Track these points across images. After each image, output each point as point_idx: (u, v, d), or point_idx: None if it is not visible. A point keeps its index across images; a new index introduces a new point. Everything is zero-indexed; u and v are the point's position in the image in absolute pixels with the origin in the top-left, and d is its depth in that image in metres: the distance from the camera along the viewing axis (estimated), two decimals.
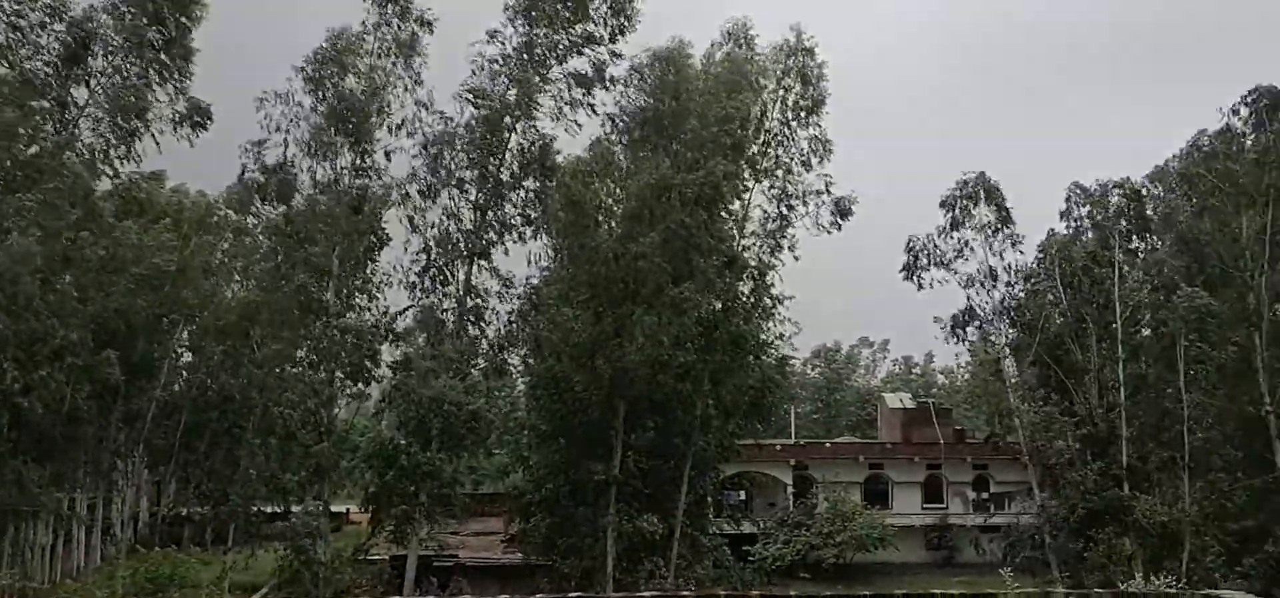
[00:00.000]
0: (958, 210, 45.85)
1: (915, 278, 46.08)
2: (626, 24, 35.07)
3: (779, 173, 40.45)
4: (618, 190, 36.07)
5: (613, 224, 35.97)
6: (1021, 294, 47.35)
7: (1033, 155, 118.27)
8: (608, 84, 35.27)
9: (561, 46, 34.84)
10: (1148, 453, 41.66)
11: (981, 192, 45.76)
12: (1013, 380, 47.28)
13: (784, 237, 40.31)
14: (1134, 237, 47.07)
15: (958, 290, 46.72)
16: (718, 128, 35.28)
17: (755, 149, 39.77)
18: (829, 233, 40.74)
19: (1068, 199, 47.32)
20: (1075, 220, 47.31)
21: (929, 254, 45.88)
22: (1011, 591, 29.98)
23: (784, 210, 40.40)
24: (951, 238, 46.03)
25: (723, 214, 38.39)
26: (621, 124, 37.44)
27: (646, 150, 35.86)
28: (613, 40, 35.05)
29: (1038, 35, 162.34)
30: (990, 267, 46.05)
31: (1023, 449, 45.29)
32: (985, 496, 57.76)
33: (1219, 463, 40.83)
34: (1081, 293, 44.90)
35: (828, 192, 40.48)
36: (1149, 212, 46.94)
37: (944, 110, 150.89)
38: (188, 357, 54.79)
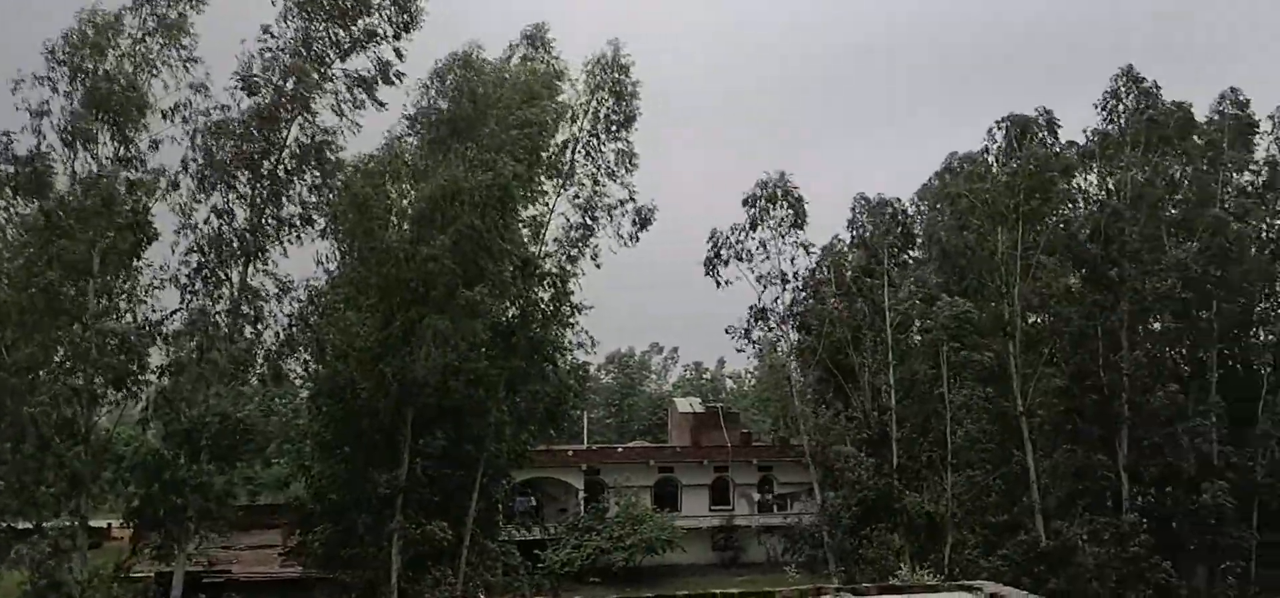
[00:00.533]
0: (757, 209, 47.30)
1: (716, 271, 47.16)
2: (411, 22, 33.98)
3: (585, 182, 40.63)
4: (411, 192, 35.15)
5: (403, 226, 35.04)
6: (807, 299, 49.39)
7: (849, 168, 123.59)
8: (392, 80, 34.18)
9: (343, 42, 33.49)
10: (917, 453, 44.29)
11: (780, 193, 47.37)
12: (798, 384, 49.24)
13: (587, 246, 40.47)
14: (901, 250, 49.73)
15: (750, 295, 48.18)
16: (518, 131, 34.95)
17: (554, 156, 39.73)
18: (629, 244, 41.21)
19: (853, 209, 49.81)
20: (858, 230, 49.81)
21: (731, 248, 47.08)
22: (788, 586, 31.04)
23: (588, 220, 40.54)
24: (752, 237, 47.48)
25: (517, 219, 38.13)
26: (419, 126, 36.68)
27: (442, 153, 35.16)
28: (397, 38, 33.96)
29: (866, 52, 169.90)
30: (781, 270, 47.80)
31: (806, 451, 47.22)
32: (770, 497, 59.83)
33: (978, 460, 43.94)
34: (858, 300, 47.27)
35: (632, 200, 40.92)
36: (915, 229, 49.94)
37: (757, 121, 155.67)
38: None
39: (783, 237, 46.87)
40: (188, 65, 31.27)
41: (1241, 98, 47.03)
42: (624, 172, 40.70)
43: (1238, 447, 43.62)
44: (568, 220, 40.38)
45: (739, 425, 65.10)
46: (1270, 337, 46.26)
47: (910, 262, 50.17)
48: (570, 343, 41.62)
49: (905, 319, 45.81)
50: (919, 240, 50.48)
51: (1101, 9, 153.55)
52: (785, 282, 47.70)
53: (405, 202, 35.59)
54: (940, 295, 42.93)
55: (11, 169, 29.67)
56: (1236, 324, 45.89)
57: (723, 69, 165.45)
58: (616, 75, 40.36)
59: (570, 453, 57.79)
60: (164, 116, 31.12)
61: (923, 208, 51.14)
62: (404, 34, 34.04)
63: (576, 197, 40.53)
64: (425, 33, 35.03)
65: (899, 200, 49.66)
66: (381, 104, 34.09)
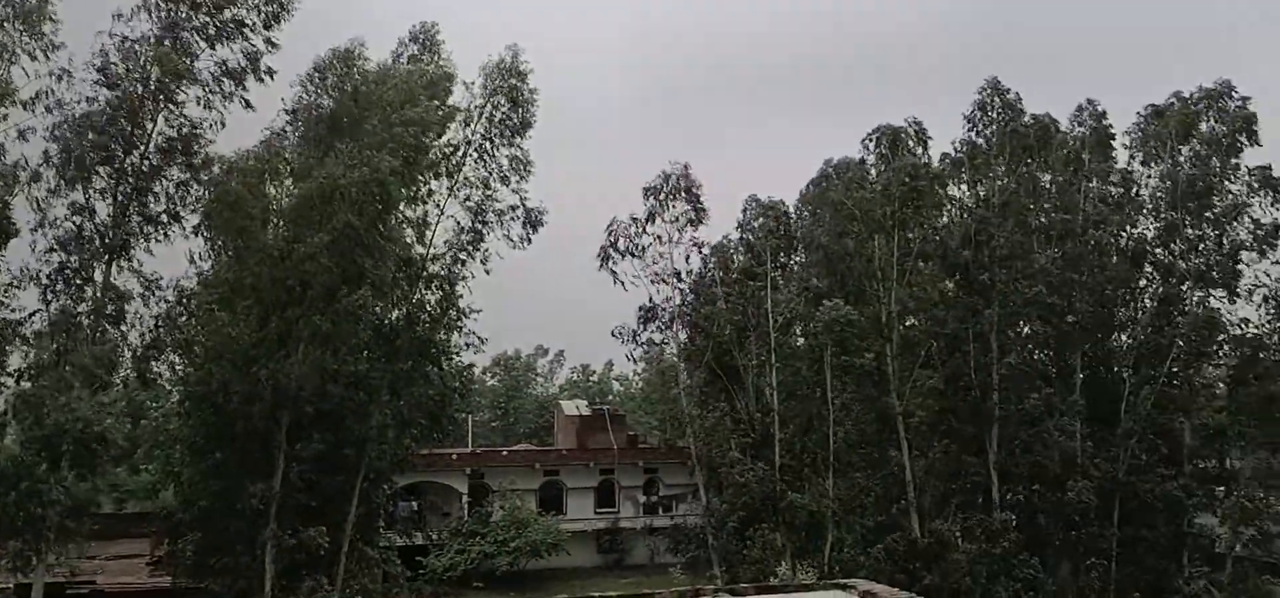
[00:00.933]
0: (657, 201, 47.39)
1: (610, 264, 47.18)
2: (281, 11, 33.07)
3: (476, 186, 40.34)
4: (289, 190, 34.17)
5: (281, 225, 34.03)
6: (696, 299, 49.82)
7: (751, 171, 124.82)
8: (262, 75, 33.19)
9: (209, 30, 32.32)
10: (799, 454, 45.08)
11: (681, 186, 47.55)
12: (685, 386, 49.62)
13: (476, 250, 40.22)
14: (785, 253, 50.51)
15: (640, 296, 48.45)
16: (401, 129, 34.35)
17: (442, 157, 39.24)
18: (520, 247, 41.14)
19: (744, 211, 50.43)
20: (748, 231, 50.37)
21: (627, 240, 47.15)
22: (670, 587, 31.21)
23: (478, 225, 40.30)
24: (647, 231, 47.59)
25: (400, 218, 37.49)
26: (299, 122, 35.78)
27: (322, 151, 34.33)
28: (267, 27, 32.99)
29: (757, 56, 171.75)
30: (675, 268, 48.08)
31: (692, 453, 47.60)
32: (655, 498, 60.12)
33: (858, 461, 44.99)
34: (742, 301, 47.88)
35: (523, 206, 40.87)
36: (796, 233, 50.84)
37: (651, 129, 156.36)
38: None
39: (680, 232, 47.34)
40: (49, 53, 29.82)
41: (1099, 109, 49.08)
42: (517, 177, 40.72)
43: (1101, 447, 45.48)
44: (458, 223, 40.07)
45: (625, 428, 65.24)
46: (1130, 340, 48.30)
47: (795, 265, 51.08)
48: (457, 345, 41.23)
49: (788, 322, 46.74)
50: (799, 244, 51.38)
51: (993, 20, 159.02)
52: (679, 280, 48.16)
53: (284, 200, 34.59)
54: (823, 299, 43.79)
55: None
56: (1100, 328, 47.80)
57: (630, 72, 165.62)
58: (513, 81, 40.21)
59: (454, 456, 57.02)
60: (24, 107, 29.59)
61: (804, 213, 52.12)
62: (274, 24, 33.06)
63: (467, 200, 40.23)
64: (315, 29, 34.30)
65: (783, 202, 50.55)
66: (249, 104, 33.16)
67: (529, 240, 41.16)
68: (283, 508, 34.53)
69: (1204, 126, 46.95)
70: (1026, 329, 48.71)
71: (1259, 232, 45.99)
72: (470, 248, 40.12)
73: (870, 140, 46.76)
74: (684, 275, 48.89)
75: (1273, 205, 46.10)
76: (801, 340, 48.04)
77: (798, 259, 51.23)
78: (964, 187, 48.45)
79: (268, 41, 33.19)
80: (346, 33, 37.86)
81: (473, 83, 40.00)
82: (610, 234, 47.15)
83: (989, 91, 47.33)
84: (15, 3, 29.07)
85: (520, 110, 40.44)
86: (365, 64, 36.52)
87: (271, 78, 33.51)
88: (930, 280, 45.84)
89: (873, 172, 47.09)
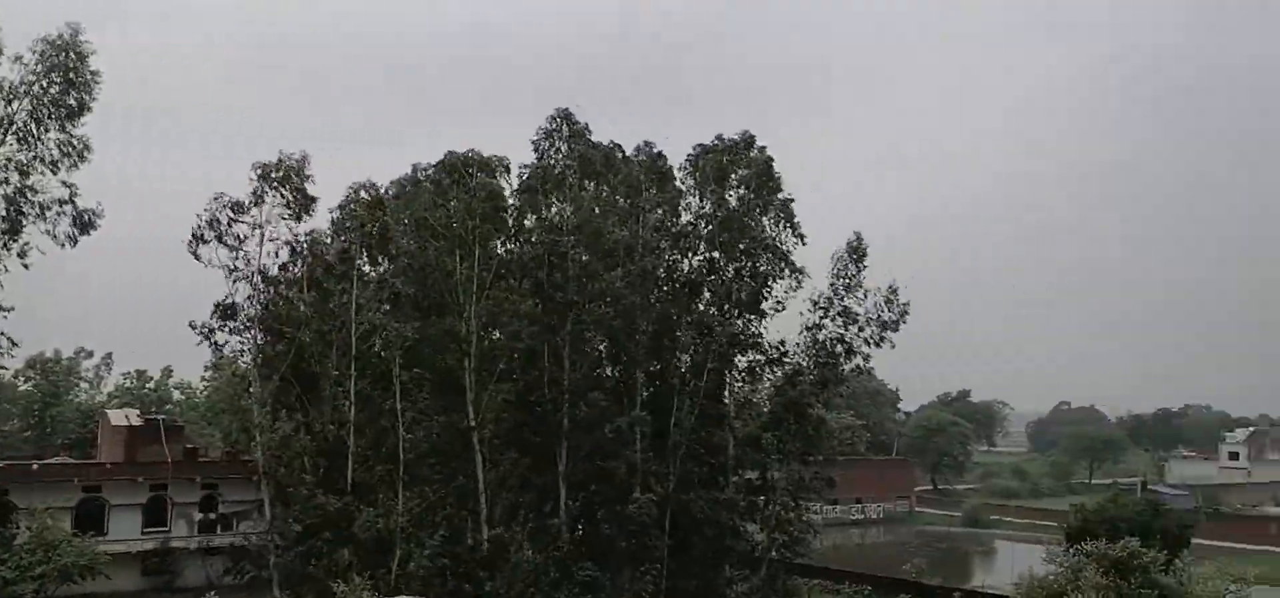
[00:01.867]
0: (266, 183, 44.12)
1: (197, 249, 43.50)
2: None
3: (12, 170, 36.29)
4: None
5: None
6: (276, 300, 46.84)
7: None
8: None
9: None
10: (372, 466, 44.02)
11: (290, 174, 44.57)
12: (258, 394, 46.48)
13: (14, 241, 36.53)
14: (376, 250, 48.42)
15: (217, 292, 44.96)
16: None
17: None
18: (66, 247, 37.67)
19: (342, 205, 48.22)
20: (343, 229, 47.91)
21: (219, 227, 43.60)
22: None
23: (12, 213, 36.43)
24: (248, 215, 44.21)
25: None
26: None
27: None
28: None
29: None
30: (262, 266, 45.00)
31: (258, 467, 44.84)
32: (214, 516, 55.93)
33: (431, 474, 44.77)
34: (326, 304, 45.91)
35: (73, 203, 37.22)
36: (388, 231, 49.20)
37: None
38: None
39: (278, 223, 44.63)
40: None
41: (655, 149, 52.68)
42: (69, 163, 37.18)
43: (661, 460, 48.82)
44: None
45: (184, 439, 60.21)
46: (686, 358, 52.19)
47: (386, 268, 49.68)
48: None
49: (371, 329, 45.15)
50: (390, 247, 49.92)
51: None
52: (264, 279, 45.19)
53: None
54: (402, 308, 43.27)
55: None
56: (661, 348, 51.22)
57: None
58: (72, 58, 36.50)
59: None
60: None
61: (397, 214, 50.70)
62: None
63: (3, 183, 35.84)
64: None
65: (376, 188, 48.65)
66: None
67: (76, 241, 37.90)
68: None
69: (739, 172, 51.84)
70: (602, 348, 51.27)
71: (778, 262, 51.44)
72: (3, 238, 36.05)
73: (441, 169, 47.38)
74: (271, 274, 46.05)
75: (790, 234, 51.75)
76: (381, 351, 46.90)
77: (387, 261, 49.80)
78: (541, 209, 49.99)
79: None
80: None
81: (26, 57, 36.00)
82: (207, 212, 43.69)
83: (558, 119, 49.43)
84: None
85: (76, 92, 36.86)
86: None
87: None
88: (511, 296, 46.73)
89: (450, 193, 47.32)
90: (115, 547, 50.69)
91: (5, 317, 37.16)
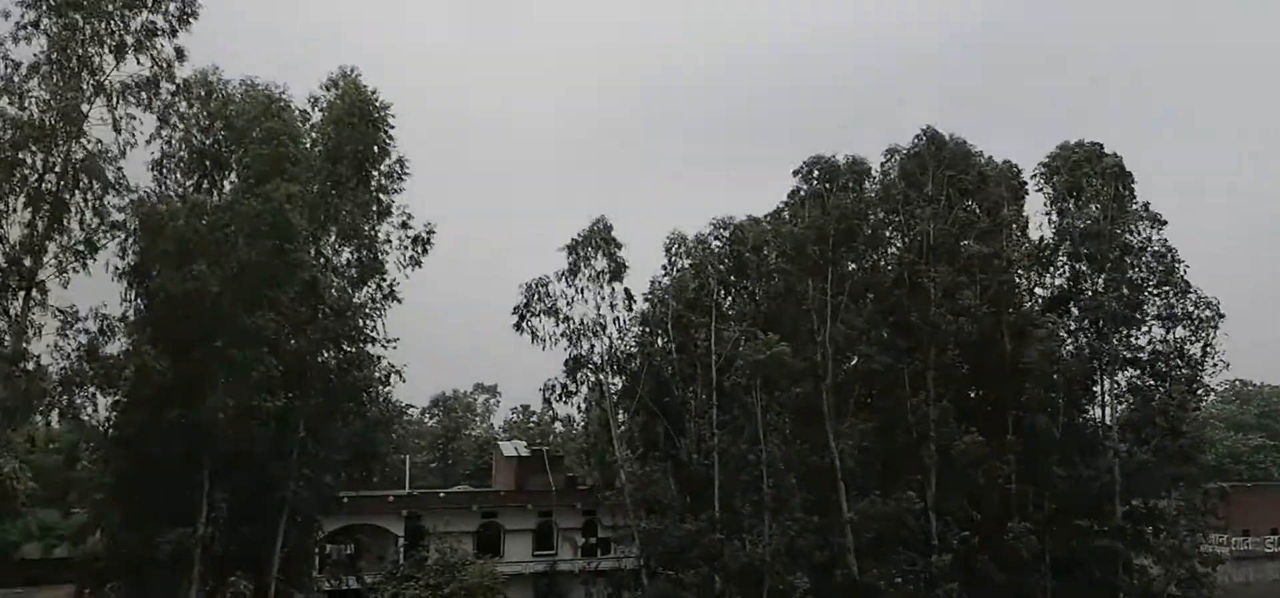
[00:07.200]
0: (580, 255, 47.27)
1: (526, 326, 46.97)
2: (189, 10, 32.30)
3: (374, 213, 40.35)
4: (201, 222, 33.59)
5: (190, 259, 33.29)
6: (631, 345, 49.53)
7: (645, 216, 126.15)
8: (179, 90, 32.72)
9: (116, 41, 31.24)
10: (737, 495, 44.82)
11: (600, 241, 47.52)
12: (621, 429, 49.21)
13: (384, 278, 40.30)
14: (731, 279, 49.71)
15: (561, 350, 48.18)
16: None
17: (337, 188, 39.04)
18: (409, 270, 41.07)
19: (668, 248, 49.80)
20: (677, 269, 49.81)
21: (541, 302, 46.93)
22: None
23: (378, 255, 40.37)
24: (570, 285, 47.42)
25: (303, 248, 36.75)
26: (186, 153, 35.52)
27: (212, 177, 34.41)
28: (174, 33, 32.25)
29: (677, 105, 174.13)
30: (597, 318, 47.81)
31: (627, 497, 47.22)
32: (593, 540, 59.45)
33: (796, 506, 44.76)
34: (684, 341, 47.63)
35: (406, 226, 40.93)
36: (746, 254, 49.13)
37: (571, 167, 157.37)
38: None
39: (602, 286, 47.32)
40: None
41: (1015, 166, 50.00)
42: (393, 188, 40.97)
43: (1035, 489, 45.83)
44: (359, 257, 40.01)
45: (564, 469, 64.56)
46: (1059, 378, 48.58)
47: (732, 302, 50.91)
48: (377, 379, 40.58)
49: (729, 360, 46.23)
50: (749, 272, 50.82)
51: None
52: (600, 329, 47.93)
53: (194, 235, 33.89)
54: (757, 336, 43.86)
55: None
56: (1023, 370, 48.05)
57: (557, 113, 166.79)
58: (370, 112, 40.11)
59: (390, 499, 56.01)
60: None
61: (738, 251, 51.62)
62: (184, 25, 32.35)
63: (368, 229, 40.14)
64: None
65: (730, 223, 49.52)
66: (165, 121, 32.49)
67: (419, 262, 41.07)
68: (205, 553, 33.60)
69: (1092, 181, 47.97)
70: (964, 369, 49.01)
71: (1159, 265, 47.28)
72: (373, 275, 40.12)
73: (804, 176, 47.24)
74: (610, 323, 48.77)
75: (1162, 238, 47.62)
76: (740, 380, 47.81)
77: (736, 297, 50.91)
78: (894, 228, 48.82)
79: (177, 51, 32.57)
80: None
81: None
82: (526, 295, 47.20)
83: (924, 138, 48.08)
84: None
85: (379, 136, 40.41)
86: (226, 87, 36.28)
87: (188, 91, 32.90)
88: (864, 319, 45.94)
89: (802, 210, 47.35)
90: (510, 568, 55.13)
91: (391, 347, 40.57)
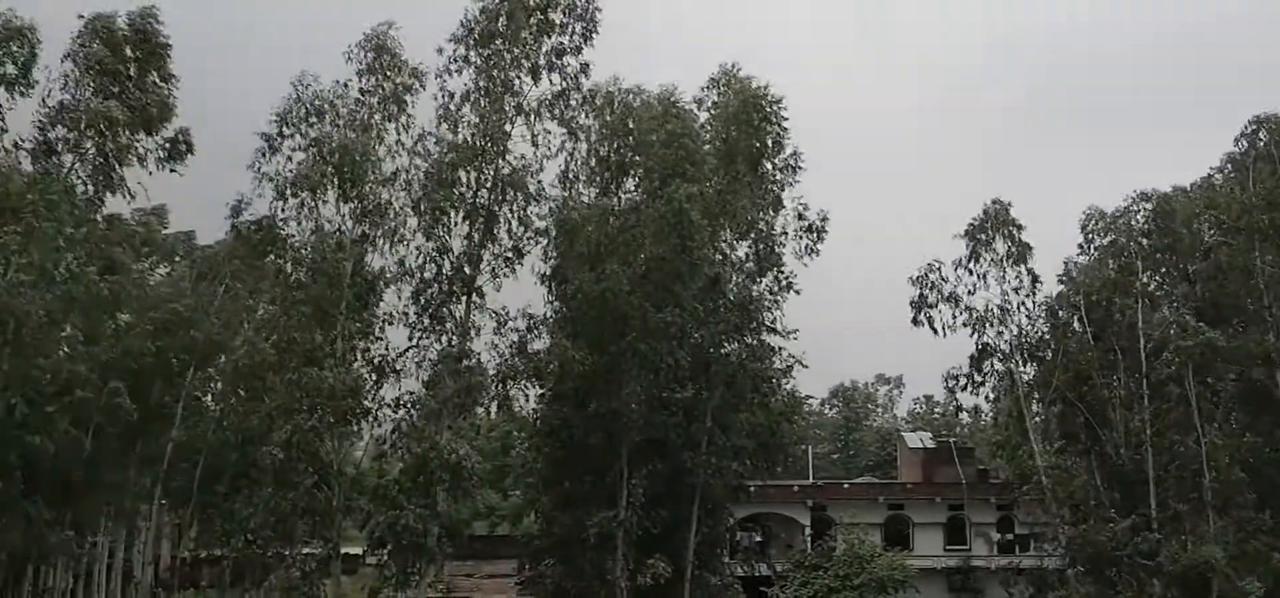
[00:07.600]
0: (979, 240, 45.12)
1: (924, 316, 45.36)
2: (591, 28, 34.69)
3: (767, 207, 41.03)
4: (610, 225, 35.92)
5: (601, 260, 35.63)
6: (1043, 330, 46.29)
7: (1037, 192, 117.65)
8: (587, 102, 35.35)
9: (531, 64, 34.28)
10: (1172, 492, 40.58)
11: (999, 221, 45.06)
12: (1036, 420, 46.19)
13: (781, 271, 40.93)
14: (1159, 258, 45.40)
15: (959, 337, 45.90)
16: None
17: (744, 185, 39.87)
18: (807, 259, 41.35)
19: (1084, 226, 46.15)
20: (1095, 248, 46.18)
21: (937, 289, 45.18)
22: None
23: (774, 248, 41.01)
24: (970, 272, 45.33)
25: (704, 245, 37.89)
26: (593, 161, 37.78)
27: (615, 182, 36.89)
28: (577, 51, 34.73)
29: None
30: (1002, 304, 45.13)
31: (1046, 492, 44.25)
32: (1010, 537, 56.44)
33: (1245, 502, 39.68)
34: (1105, 325, 43.81)
35: (800, 217, 41.10)
36: (1179, 227, 44.25)
37: (933, 148, 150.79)
38: (205, 399, 54.64)
39: (1004, 270, 44.57)
40: (404, 131, 33.66)
41: None
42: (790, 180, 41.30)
43: None
44: (757, 249, 40.81)
45: (974, 462, 61.90)
46: None
47: (1163, 280, 46.07)
48: (776, 370, 41.21)
49: (1160, 346, 41.76)
50: (1180, 247, 45.71)
51: None
52: (1006, 315, 45.08)
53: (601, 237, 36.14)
54: (1190, 321, 39.35)
55: (255, 229, 32.61)
56: None
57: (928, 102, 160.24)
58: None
59: (795, 488, 56.84)
60: (383, 184, 33.41)
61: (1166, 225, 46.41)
62: (586, 42, 34.79)
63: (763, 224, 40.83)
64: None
65: (1153, 195, 44.64)
66: (573, 133, 35.26)
67: (816, 251, 41.27)
68: (625, 536, 35.97)
69: None
70: None
71: None
72: (772, 268, 40.81)
73: (1251, 137, 41.65)
74: (1015, 309, 45.68)
75: None
76: (1172, 368, 43.03)
77: (1165, 274, 45.92)
78: None
79: (583, 66, 35.11)
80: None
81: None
82: (919, 286, 45.36)
83: None
84: (383, 91, 33.04)
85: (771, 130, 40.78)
86: (626, 96, 37.79)
87: (592, 103, 35.63)
88: None
89: (1251, 175, 41.71)
90: (921, 562, 53.75)
91: (793, 338, 41.41)
